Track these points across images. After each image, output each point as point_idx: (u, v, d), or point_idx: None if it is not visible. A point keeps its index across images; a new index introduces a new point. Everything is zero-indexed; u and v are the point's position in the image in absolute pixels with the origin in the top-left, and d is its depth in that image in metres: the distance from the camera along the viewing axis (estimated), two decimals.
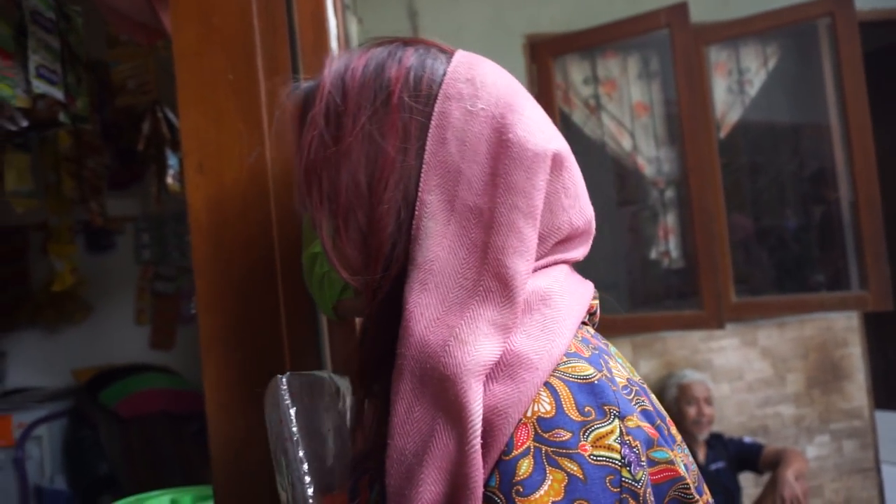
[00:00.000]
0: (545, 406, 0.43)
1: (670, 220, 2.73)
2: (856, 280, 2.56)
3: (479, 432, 0.41)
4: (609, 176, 2.93)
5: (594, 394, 0.44)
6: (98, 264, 2.72)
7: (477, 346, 0.43)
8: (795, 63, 2.85)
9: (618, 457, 0.42)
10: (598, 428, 0.42)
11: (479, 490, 0.41)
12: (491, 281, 0.45)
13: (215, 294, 0.83)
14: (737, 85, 2.74)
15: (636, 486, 0.41)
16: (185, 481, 1.18)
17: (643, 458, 0.43)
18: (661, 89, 2.73)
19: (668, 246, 2.73)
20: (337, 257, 0.51)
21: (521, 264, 0.46)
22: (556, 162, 0.50)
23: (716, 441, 2.33)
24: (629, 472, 0.42)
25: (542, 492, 0.40)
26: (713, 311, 2.26)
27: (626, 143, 2.71)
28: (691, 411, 2.30)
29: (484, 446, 0.41)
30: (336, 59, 0.53)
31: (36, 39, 0.98)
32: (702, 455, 2.27)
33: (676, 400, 2.37)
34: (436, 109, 0.49)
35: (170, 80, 0.88)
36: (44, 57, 0.98)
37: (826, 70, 2.73)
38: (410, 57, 0.51)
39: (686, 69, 2.30)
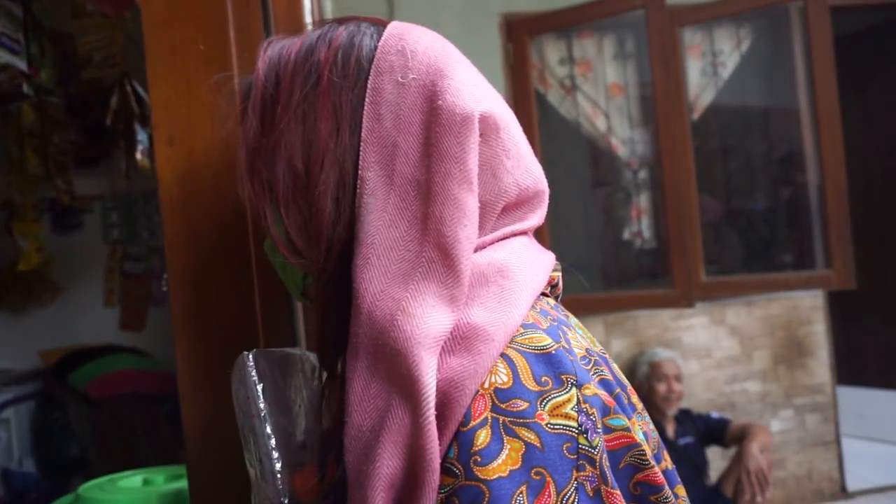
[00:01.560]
0: (502, 377, 0.43)
1: (643, 201, 2.76)
2: (821, 260, 2.63)
3: (432, 405, 0.41)
4: (583, 157, 2.95)
5: (551, 364, 0.44)
6: (65, 244, 2.65)
7: (425, 318, 0.43)
8: (768, 46, 2.88)
9: (574, 424, 0.42)
10: (555, 397, 0.43)
11: (436, 462, 0.41)
12: (433, 251, 0.45)
13: (187, 269, 0.82)
14: (710, 67, 2.77)
15: (592, 453, 0.42)
16: (158, 462, 1.17)
17: (599, 426, 0.43)
18: (636, 70, 2.74)
19: (640, 226, 2.77)
20: (283, 244, 0.51)
21: (462, 232, 0.46)
22: (490, 123, 0.49)
23: (684, 417, 2.39)
24: (586, 438, 0.42)
25: (499, 461, 0.40)
26: (684, 290, 2.30)
27: (601, 124, 2.73)
28: (661, 388, 2.35)
29: (441, 418, 0.42)
30: (271, 46, 0.54)
31: None
32: (671, 430, 2.32)
33: (647, 377, 2.42)
34: (368, 86, 0.49)
35: (138, 53, 0.86)
36: (5, 25, 0.95)
37: (797, 54, 2.77)
38: (340, 36, 0.51)
39: (661, 50, 2.32)
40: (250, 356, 0.57)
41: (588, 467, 0.42)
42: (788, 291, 2.75)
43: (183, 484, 0.86)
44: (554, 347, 0.45)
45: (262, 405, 0.56)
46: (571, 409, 0.43)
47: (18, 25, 0.98)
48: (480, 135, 0.48)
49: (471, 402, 0.42)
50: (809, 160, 2.72)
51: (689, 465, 2.25)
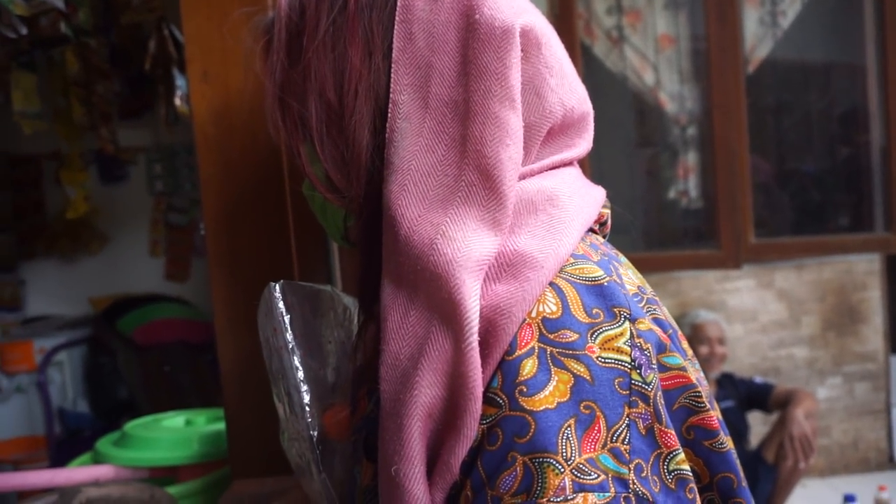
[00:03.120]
0: (551, 306, 0.41)
1: (690, 159, 2.65)
2: (880, 224, 2.50)
3: (475, 329, 0.39)
4: (629, 112, 2.84)
5: (603, 296, 0.42)
6: (111, 194, 2.72)
7: (466, 241, 0.41)
8: None
9: (627, 359, 0.40)
10: (606, 330, 0.40)
11: (479, 390, 0.39)
12: (473, 174, 0.43)
13: (223, 209, 0.81)
14: (769, 17, 2.61)
15: (647, 389, 0.40)
16: (202, 406, 1.20)
17: (654, 362, 0.41)
18: (687, 21, 2.60)
19: (686, 185, 2.67)
20: (322, 182, 0.49)
21: (504, 152, 0.43)
22: (531, 38, 0.46)
23: (726, 380, 2.34)
24: (639, 374, 0.40)
25: (546, 392, 0.38)
26: (731, 251, 2.22)
27: (649, 78, 2.61)
28: (703, 350, 2.30)
29: (485, 346, 0.40)
30: None
31: None
32: (712, 393, 2.28)
33: (689, 339, 2.36)
34: (398, 4, 0.46)
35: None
36: None
37: (867, 3, 2.58)
38: None
39: None
40: (277, 287, 0.55)
41: (641, 404, 0.39)
42: (844, 255, 2.63)
43: (223, 425, 0.88)
44: (606, 280, 0.43)
45: (289, 336, 0.54)
46: (624, 343, 0.40)
47: None
48: (521, 50, 0.45)
49: (517, 331, 0.40)
50: (874, 119, 2.56)
51: (730, 430, 2.20)
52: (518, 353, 0.39)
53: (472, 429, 0.39)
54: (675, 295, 2.62)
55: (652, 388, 0.40)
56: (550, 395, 0.38)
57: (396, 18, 0.46)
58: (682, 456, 0.40)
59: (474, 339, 0.39)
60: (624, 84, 2.64)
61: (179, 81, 1.43)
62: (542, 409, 0.38)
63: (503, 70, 0.44)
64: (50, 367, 2.33)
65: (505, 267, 0.42)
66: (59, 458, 2.15)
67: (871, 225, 2.66)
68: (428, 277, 0.41)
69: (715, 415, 0.44)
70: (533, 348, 0.39)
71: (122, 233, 2.76)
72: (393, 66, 0.45)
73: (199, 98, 0.80)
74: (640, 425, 0.39)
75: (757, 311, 2.67)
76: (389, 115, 0.45)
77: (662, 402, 0.41)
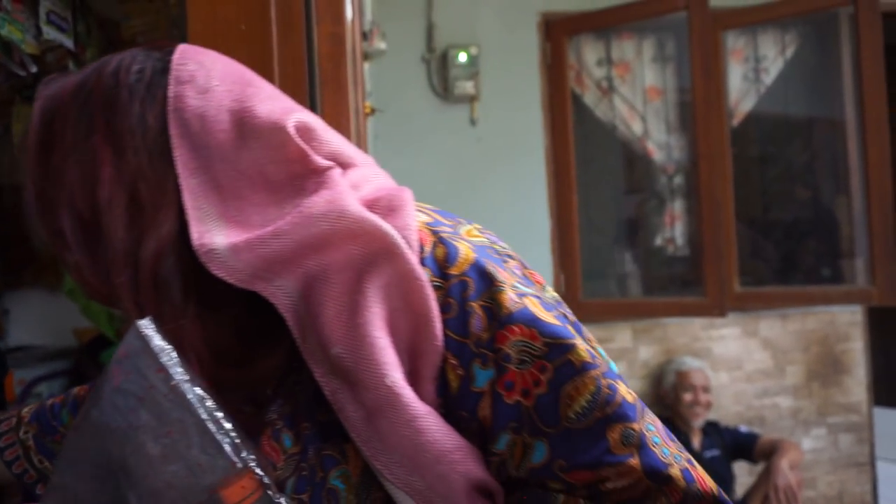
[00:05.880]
0: (425, 217, 0.52)
1: (677, 207, 2.71)
2: (862, 275, 2.55)
3: (406, 246, 0.47)
4: (618, 160, 2.91)
5: (448, 214, 0.55)
6: None
7: (353, 202, 0.50)
8: (814, 52, 2.81)
9: (486, 240, 0.52)
10: (463, 226, 0.53)
11: (422, 273, 0.47)
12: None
13: None
14: (752, 73, 2.71)
15: (507, 250, 0.54)
16: None
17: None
18: (675, 74, 2.70)
19: (673, 233, 2.72)
20: (87, 287, 0.51)
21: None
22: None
23: (711, 429, 2.34)
24: (497, 245, 0.53)
25: (461, 257, 0.49)
26: (716, 298, 2.25)
27: (637, 128, 2.69)
28: (687, 397, 2.30)
29: None
30: (48, 85, 0.52)
31: None
32: (697, 442, 2.28)
33: (674, 386, 2.38)
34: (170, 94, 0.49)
35: (181, 38, 0.87)
36: (54, 3, 0.97)
37: (845, 61, 2.69)
38: (112, 62, 0.51)
39: (702, 54, 2.27)
40: (149, 321, 0.44)
41: (510, 261, 0.52)
42: (826, 306, 2.67)
43: None
44: (441, 209, 0.57)
45: (182, 370, 0.42)
46: (477, 231, 0.53)
47: (67, 4, 1.00)
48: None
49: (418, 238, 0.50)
50: (854, 172, 2.64)
51: (715, 479, 2.19)
52: (427, 248, 0.49)
53: (437, 312, 0.47)
54: (661, 341, 2.64)
55: (510, 250, 0.54)
56: (465, 258, 0.49)
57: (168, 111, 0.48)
58: (549, 289, 0.53)
59: (410, 252, 0.47)
60: (613, 133, 2.71)
61: None
62: (467, 266, 0.48)
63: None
64: (30, 399, 2.28)
65: (380, 208, 0.50)
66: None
67: (851, 276, 2.71)
68: (345, 235, 0.47)
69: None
70: (434, 241, 0.50)
71: None
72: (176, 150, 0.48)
73: None
74: (517, 272, 0.51)
75: (742, 359, 2.69)
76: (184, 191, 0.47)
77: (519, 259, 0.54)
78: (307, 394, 0.49)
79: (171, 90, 0.48)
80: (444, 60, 2.43)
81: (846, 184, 2.71)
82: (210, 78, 0.50)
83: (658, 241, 2.77)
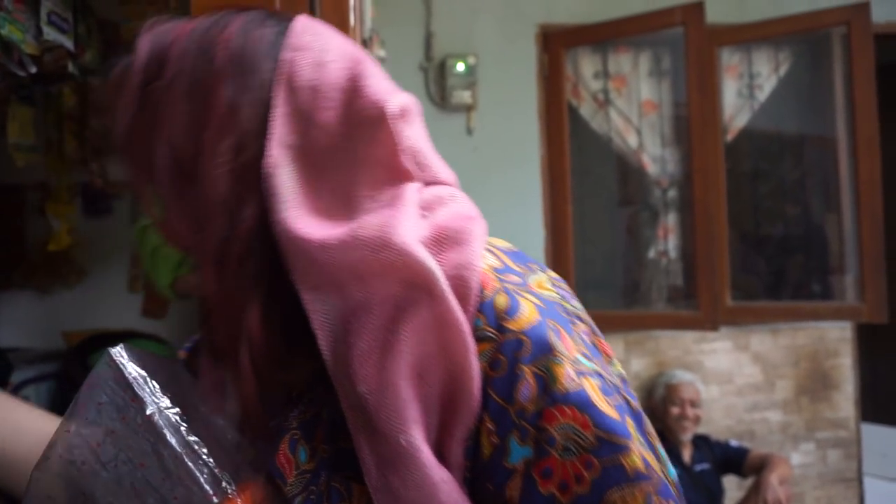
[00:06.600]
0: (492, 261, 0.49)
1: (671, 220, 2.72)
2: (852, 292, 2.57)
3: (448, 287, 0.44)
4: (612, 172, 2.92)
5: (519, 256, 0.52)
6: (94, 228, 2.70)
7: (407, 227, 0.46)
8: (807, 71, 2.84)
9: (556, 294, 0.49)
10: (532, 276, 0.50)
11: (470, 335, 0.44)
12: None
13: None
14: (747, 89, 2.74)
15: (579, 311, 0.50)
16: None
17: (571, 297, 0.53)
18: (670, 88, 2.72)
19: (666, 246, 2.73)
20: (168, 229, 0.49)
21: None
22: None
23: (701, 442, 2.34)
24: (569, 303, 0.50)
25: (524, 312, 0.45)
26: (708, 312, 2.26)
27: (633, 141, 2.71)
28: (674, 410, 2.31)
29: (460, 298, 0.45)
30: (155, 27, 0.51)
31: None
32: (687, 456, 2.28)
33: (663, 399, 2.38)
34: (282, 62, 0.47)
35: None
36: (55, 3, 0.96)
37: (837, 80, 2.72)
38: (236, 23, 0.49)
39: (698, 69, 2.29)
40: (121, 350, 0.43)
41: (579, 323, 0.49)
42: (816, 322, 2.69)
43: None
44: (516, 248, 0.54)
45: (164, 401, 0.41)
46: (548, 284, 0.50)
47: (68, 4, 1.00)
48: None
49: (479, 279, 0.46)
50: (844, 190, 2.67)
51: (705, 493, 2.20)
52: (488, 293, 0.46)
53: (474, 366, 0.43)
54: (653, 354, 2.64)
55: (581, 311, 0.51)
56: (528, 315, 0.45)
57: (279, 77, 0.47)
58: (617, 363, 0.50)
59: (452, 295, 0.44)
60: (608, 145, 2.73)
61: None
62: (528, 325, 0.44)
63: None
64: None
65: (443, 239, 0.46)
66: None
67: (841, 292, 2.73)
68: (385, 267, 0.43)
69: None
70: (497, 287, 0.46)
71: (102, 267, 2.73)
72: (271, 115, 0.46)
73: None
74: (586, 338, 0.48)
75: (733, 373, 2.70)
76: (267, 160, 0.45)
77: (591, 323, 0.51)
78: (332, 412, 0.47)
79: (287, 55, 0.47)
80: (442, 69, 2.44)
81: (837, 201, 2.74)
82: (326, 51, 0.48)
83: (651, 254, 2.78)
